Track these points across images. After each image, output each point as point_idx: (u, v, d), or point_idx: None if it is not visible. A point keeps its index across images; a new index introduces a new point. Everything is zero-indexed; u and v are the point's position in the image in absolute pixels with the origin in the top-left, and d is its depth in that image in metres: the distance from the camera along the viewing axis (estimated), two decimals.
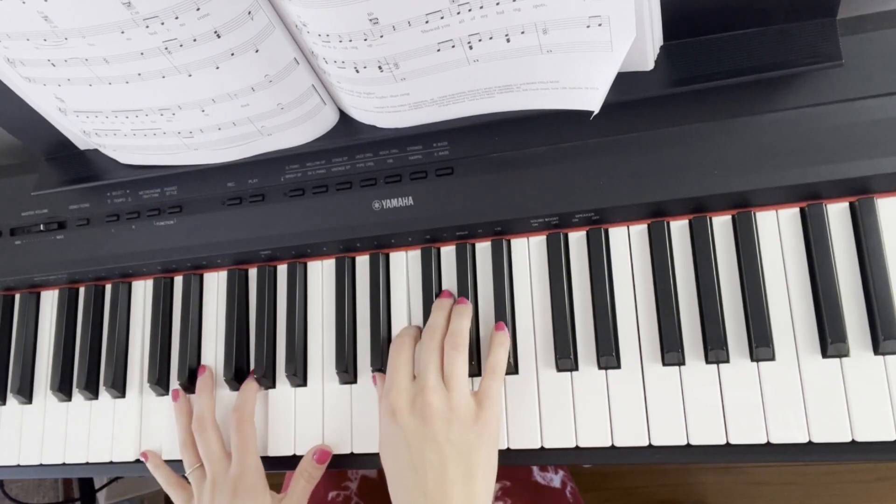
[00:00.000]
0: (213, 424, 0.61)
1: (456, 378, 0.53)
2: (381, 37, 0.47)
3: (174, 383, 0.65)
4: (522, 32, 0.47)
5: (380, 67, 0.50)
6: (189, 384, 0.64)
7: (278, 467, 0.62)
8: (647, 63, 0.51)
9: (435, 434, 0.51)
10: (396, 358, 0.56)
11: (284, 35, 0.50)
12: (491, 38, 0.48)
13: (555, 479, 0.74)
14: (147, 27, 0.46)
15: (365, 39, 0.47)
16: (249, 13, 0.47)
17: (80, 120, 0.58)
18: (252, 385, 0.62)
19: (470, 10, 0.45)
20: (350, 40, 0.47)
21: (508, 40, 0.48)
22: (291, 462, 0.61)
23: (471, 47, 0.48)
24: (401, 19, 0.46)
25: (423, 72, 0.50)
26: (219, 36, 0.47)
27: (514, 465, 0.70)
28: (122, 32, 0.47)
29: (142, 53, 0.48)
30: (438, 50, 0.48)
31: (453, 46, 0.48)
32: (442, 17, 0.46)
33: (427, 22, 0.46)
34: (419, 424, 0.51)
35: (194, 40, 0.47)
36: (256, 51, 0.49)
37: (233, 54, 0.49)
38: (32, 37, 0.48)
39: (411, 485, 0.51)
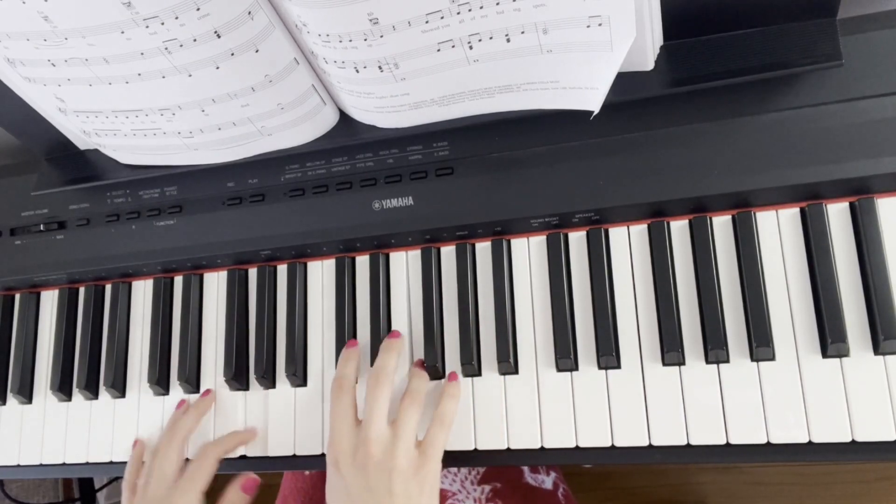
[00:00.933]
0: (181, 446, 0.60)
1: (405, 430, 0.53)
2: (381, 37, 0.47)
3: (174, 383, 0.65)
4: (522, 32, 0.47)
5: (380, 67, 0.50)
6: (188, 384, 0.64)
7: (278, 468, 0.62)
8: (648, 63, 0.51)
9: (376, 485, 0.50)
10: (337, 406, 0.55)
11: (284, 35, 0.50)
12: (491, 38, 0.48)
13: (546, 480, 0.73)
14: (147, 27, 0.46)
15: (365, 39, 0.47)
16: (249, 13, 0.47)
17: (80, 120, 0.58)
18: (241, 436, 0.61)
19: (470, 11, 0.45)
20: (350, 40, 0.47)
21: (508, 40, 0.48)
22: (291, 463, 0.61)
23: (471, 47, 0.48)
24: (401, 19, 0.46)
25: (423, 72, 0.50)
26: (219, 36, 0.47)
27: (513, 465, 0.71)
28: (122, 32, 0.47)
29: (142, 53, 0.48)
30: (438, 50, 0.48)
31: (453, 46, 0.48)
32: (442, 18, 0.46)
33: (427, 22, 0.46)
34: (360, 475, 0.51)
35: (194, 40, 0.47)
36: (256, 51, 0.49)
37: (233, 54, 0.49)
38: (32, 37, 0.48)
39: None
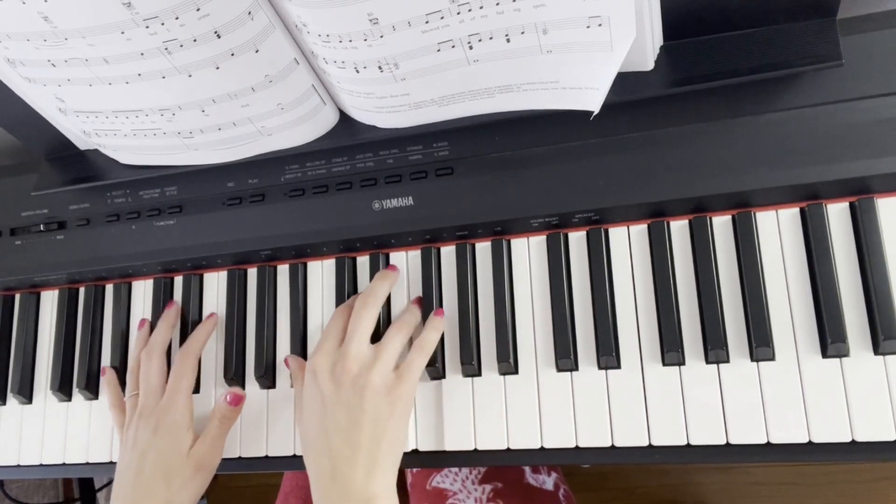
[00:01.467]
0: (161, 356, 0.62)
1: (386, 352, 0.55)
2: (381, 37, 0.47)
3: None
4: (522, 33, 0.47)
5: (380, 67, 0.50)
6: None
7: (277, 468, 0.62)
8: (647, 63, 0.51)
9: (349, 399, 0.52)
10: (333, 323, 0.57)
11: (284, 35, 0.50)
12: (491, 39, 0.48)
13: (547, 481, 0.73)
14: (147, 27, 0.46)
15: (365, 39, 0.47)
16: (249, 13, 0.47)
17: (80, 120, 0.58)
18: (207, 325, 0.64)
19: (470, 11, 0.45)
20: (350, 40, 0.47)
21: (508, 40, 0.48)
22: (292, 462, 0.61)
23: (471, 47, 0.48)
24: (401, 19, 0.46)
25: (423, 72, 0.50)
26: (219, 36, 0.47)
27: (513, 465, 0.71)
28: (123, 33, 0.47)
29: (142, 54, 0.48)
30: (438, 50, 0.48)
31: (453, 47, 0.48)
32: (442, 18, 0.46)
33: (427, 22, 0.46)
34: (335, 388, 0.53)
35: (194, 41, 0.47)
36: (256, 51, 0.49)
37: (233, 54, 0.49)
38: (33, 37, 0.48)
39: (319, 446, 0.52)
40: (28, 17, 0.46)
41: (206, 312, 0.66)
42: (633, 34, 0.45)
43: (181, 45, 0.48)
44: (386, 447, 0.52)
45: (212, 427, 0.59)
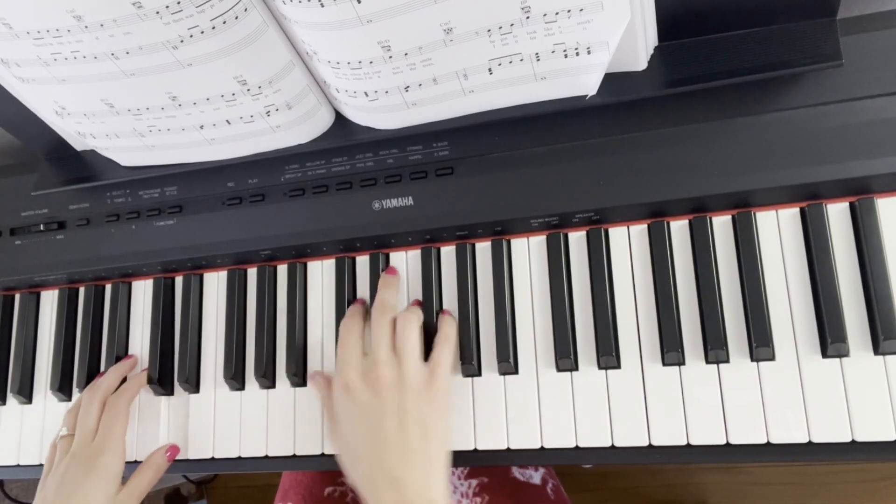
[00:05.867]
0: (102, 403, 0.62)
1: (407, 350, 0.55)
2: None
3: (175, 383, 0.65)
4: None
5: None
6: (188, 384, 0.64)
7: (277, 468, 0.62)
8: (640, 63, 0.51)
9: (389, 404, 0.52)
10: (347, 337, 0.57)
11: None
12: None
13: (534, 475, 0.73)
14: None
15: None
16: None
17: (76, 120, 0.58)
18: (140, 378, 0.64)
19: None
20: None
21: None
22: (291, 463, 0.61)
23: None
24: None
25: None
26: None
27: (514, 465, 0.71)
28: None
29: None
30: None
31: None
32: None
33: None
34: (372, 397, 0.53)
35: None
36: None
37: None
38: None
39: (370, 457, 0.52)
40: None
41: (206, 312, 0.66)
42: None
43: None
44: (436, 444, 0.52)
45: (144, 478, 0.60)
